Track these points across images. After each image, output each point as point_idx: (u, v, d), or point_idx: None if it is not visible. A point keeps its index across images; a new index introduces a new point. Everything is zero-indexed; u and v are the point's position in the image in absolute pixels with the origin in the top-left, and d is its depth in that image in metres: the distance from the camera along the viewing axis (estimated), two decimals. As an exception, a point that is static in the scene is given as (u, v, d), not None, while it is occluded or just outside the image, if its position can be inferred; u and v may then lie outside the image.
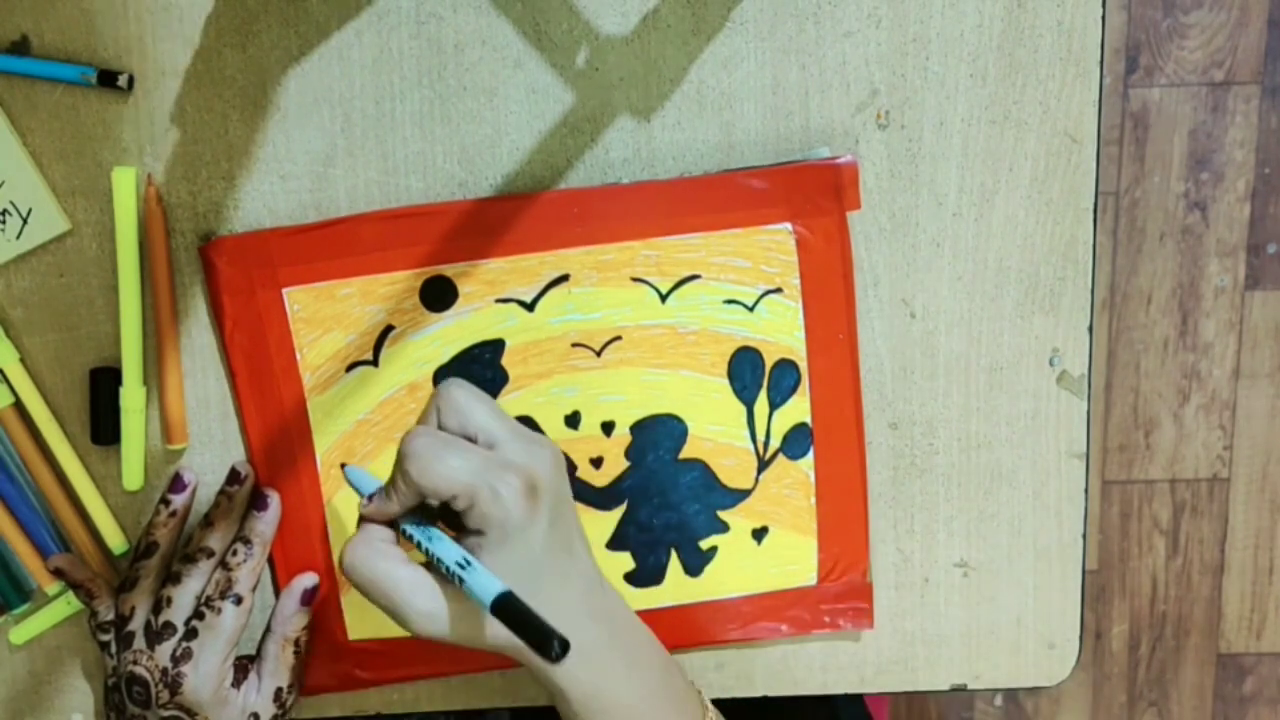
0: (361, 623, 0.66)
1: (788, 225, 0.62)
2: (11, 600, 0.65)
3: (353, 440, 0.64)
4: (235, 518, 0.63)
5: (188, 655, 0.61)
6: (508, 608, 0.50)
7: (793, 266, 0.63)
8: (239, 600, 0.62)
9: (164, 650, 0.61)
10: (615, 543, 0.66)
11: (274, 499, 0.64)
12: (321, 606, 0.66)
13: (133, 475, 0.64)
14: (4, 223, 0.61)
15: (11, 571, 0.65)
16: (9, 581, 0.65)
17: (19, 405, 0.63)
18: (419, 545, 0.54)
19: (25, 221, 0.61)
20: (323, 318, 0.62)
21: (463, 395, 0.54)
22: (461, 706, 0.68)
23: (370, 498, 0.55)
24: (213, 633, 0.61)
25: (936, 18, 0.61)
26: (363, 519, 0.56)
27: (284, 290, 0.62)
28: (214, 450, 0.64)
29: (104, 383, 0.63)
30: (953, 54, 0.61)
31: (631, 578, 0.66)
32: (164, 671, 0.61)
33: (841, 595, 0.66)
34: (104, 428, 0.63)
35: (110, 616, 0.63)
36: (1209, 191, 1.44)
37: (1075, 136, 0.63)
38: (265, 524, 0.63)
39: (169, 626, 0.61)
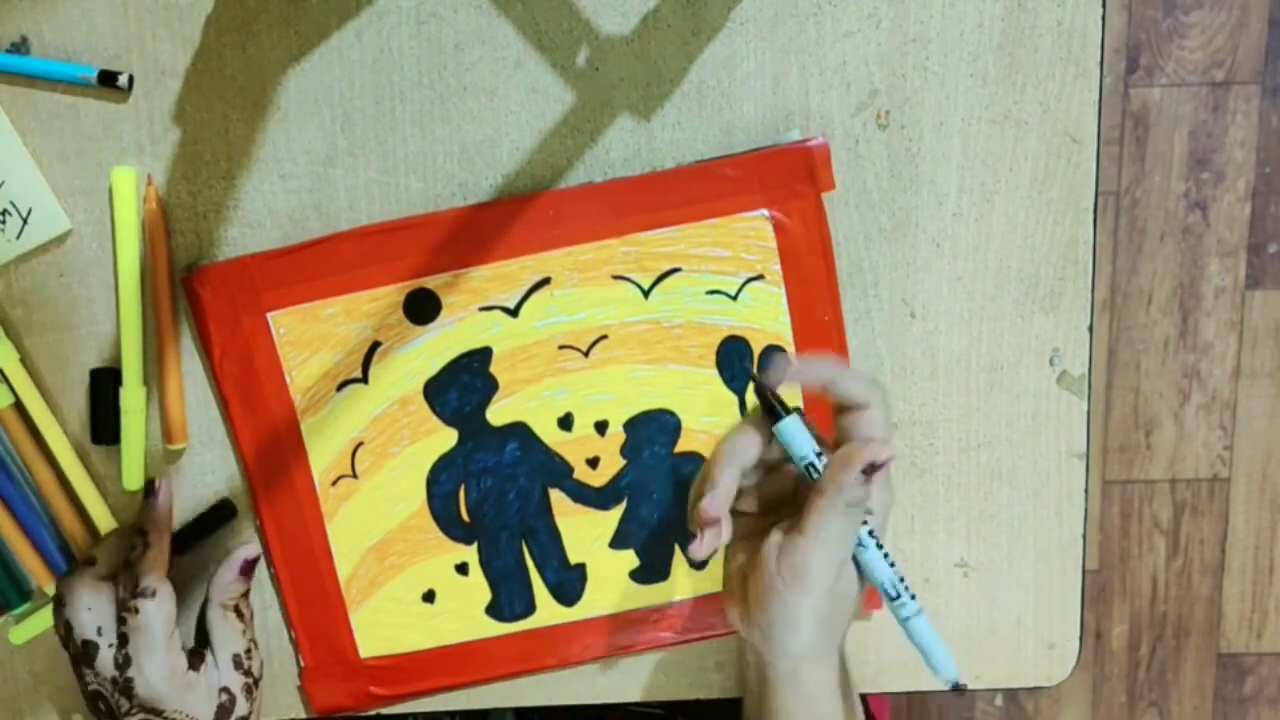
0: (373, 640, 0.66)
1: (764, 211, 0.62)
2: (11, 600, 0.65)
3: (348, 459, 0.64)
4: (122, 533, 0.63)
5: (128, 661, 0.60)
6: (926, 629, 0.53)
7: (772, 252, 0.62)
8: (153, 593, 0.59)
9: (103, 663, 0.60)
10: (618, 541, 0.66)
11: (164, 484, 0.63)
12: (331, 626, 0.66)
13: (133, 475, 0.64)
14: (4, 223, 0.61)
15: (11, 571, 0.65)
16: (9, 581, 0.65)
17: (19, 405, 0.63)
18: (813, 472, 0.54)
19: (25, 221, 0.61)
20: (309, 339, 0.63)
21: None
22: (463, 706, 0.68)
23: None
24: (140, 632, 0.59)
25: (936, 18, 0.61)
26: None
27: (268, 314, 0.62)
28: (214, 450, 0.64)
29: (104, 383, 0.63)
30: (953, 54, 0.61)
31: (637, 575, 0.66)
32: (114, 680, 0.60)
33: None
34: (104, 428, 0.63)
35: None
36: (1209, 191, 1.44)
37: (1075, 136, 0.63)
38: (160, 511, 0.62)
39: (90, 644, 0.60)
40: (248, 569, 0.63)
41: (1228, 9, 1.41)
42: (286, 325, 0.62)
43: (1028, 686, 0.69)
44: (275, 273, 0.62)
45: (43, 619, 0.66)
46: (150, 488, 0.63)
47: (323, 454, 0.64)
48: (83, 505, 0.65)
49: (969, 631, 0.68)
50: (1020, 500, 0.67)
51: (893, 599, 0.54)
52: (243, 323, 0.62)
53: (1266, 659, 1.53)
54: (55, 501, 0.64)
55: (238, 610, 0.63)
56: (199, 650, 0.63)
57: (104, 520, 0.65)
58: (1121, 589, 1.51)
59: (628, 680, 0.68)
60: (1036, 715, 1.53)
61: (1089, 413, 0.66)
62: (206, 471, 0.64)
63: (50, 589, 0.65)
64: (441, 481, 0.64)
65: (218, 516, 0.64)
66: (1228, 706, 1.53)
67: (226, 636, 0.63)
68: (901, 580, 0.54)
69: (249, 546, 0.64)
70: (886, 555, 0.55)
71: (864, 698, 0.91)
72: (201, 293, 0.62)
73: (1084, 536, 0.67)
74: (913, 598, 0.54)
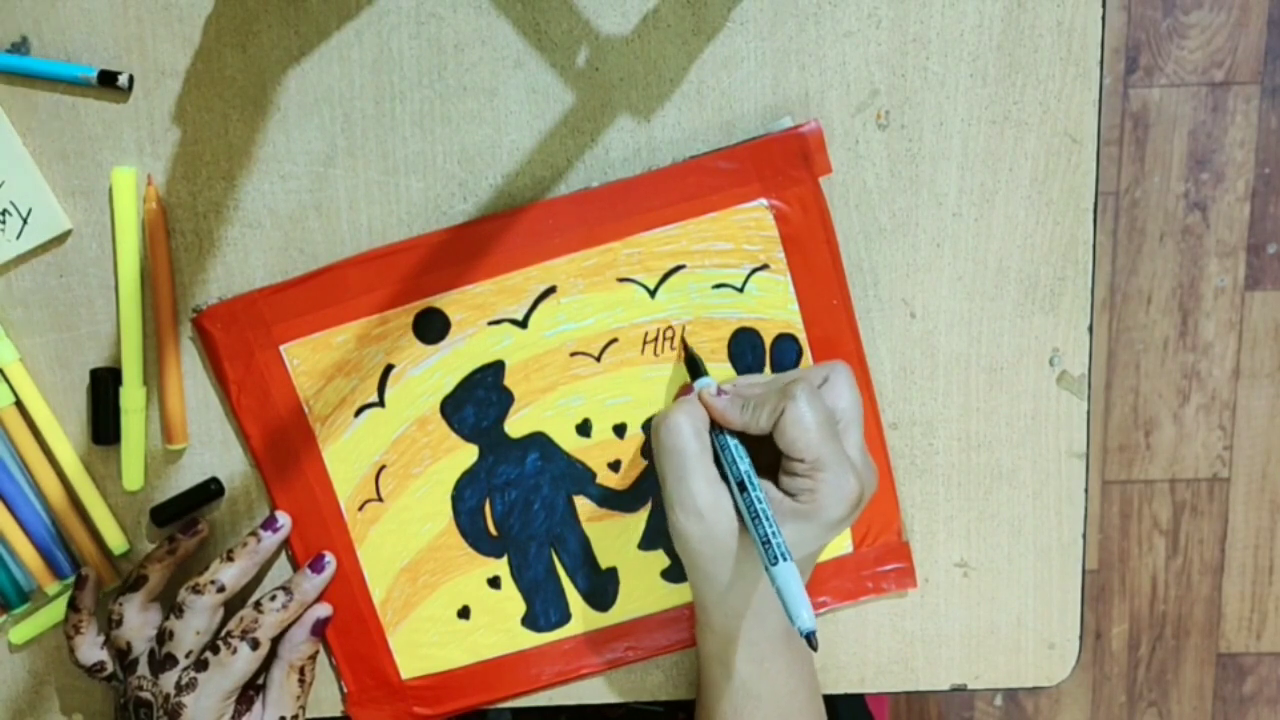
0: (413, 661, 0.66)
1: (763, 201, 0.62)
2: (11, 600, 0.65)
3: (372, 483, 0.64)
4: (257, 562, 0.63)
5: (192, 686, 0.61)
6: (787, 575, 0.55)
7: (775, 241, 0.62)
8: (255, 645, 0.62)
9: (168, 679, 0.61)
10: (646, 542, 0.66)
11: (330, 567, 0.64)
12: (370, 650, 0.66)
13: (133, 475, 0.64)
14: (4, 223, 0.61)
15: (11, 571, 0.65)
16: (9, 581, 0.65)
17: (19, 405, 0.63)
18: (728, 459, 0.58)
19: (25, 221, 0.61)
20: (323, 368, 0.63)
21: (849, 379, 0.59)
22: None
23: (720, 391, 0.59)
24: (222, 669, 0.61)
25: (936, 18, 0.61)
26: (699, 400, 0.59)
27: (281, 347, 0.62)
28: (214, 450, 0.64)
29: (104, 383, 0.63)
30: (953, 54, 0.61)
31: (669, 574, 0.66)
32: (166, 698, 0.61)
33: (881, 559, 0.66)
34: (104, 428, 0.63)
35: (92, 660, 0.63)
36: (1209, 191, 1.44)
37: (1075, 136, 0.63)
38: (312, 585, 0.64)
39: (171, 659, 0.61)
40: (319, 629, 0.64)
41: (1227, 9, 1.41)
42: (299, 356, 0.62)
43: (1027, 686, 0.69)
44: (284, 305, 0.62)
45: (43, 619, 0.66)
46: (319, 561, 0.64)
47: (347, 480, 0.64)
48: (83, 505, 0.65)
49: (969, 631, 0.68)
50: (1020, 500, 0.67)
51: (762, 544, 0.56)
52: (256, 358, 0.62)
53: (1266, 659, 1.53)
54: (55, 501, 0.64)
55: (302, 673, 0.64)
56: (247, 695, 0.63)
57: (104, 520, 0.65)
58: (1121, 589, 1.51)
59: (628, 680, 0.68)
60: (1036, 715, 1.53)
61: (1089, 413, 0.66)
62: (206, 471, 0.64)
63: (50, 589, 0.65)
64: (466, 498, 0.65)
65: (203, 494, 0.64)
66: (1227, 706, 1.54)
67: (282, 698, 0.64)
68: (768, 522, 0.56)
69: (322, 606, 0.64)
70: (760, 501, 0.56)
71: (863, 698, 0.91)
72: (213, 331, 0.62)
73: (1084, 536, 0.67)
74: (779, 545, 0.55)
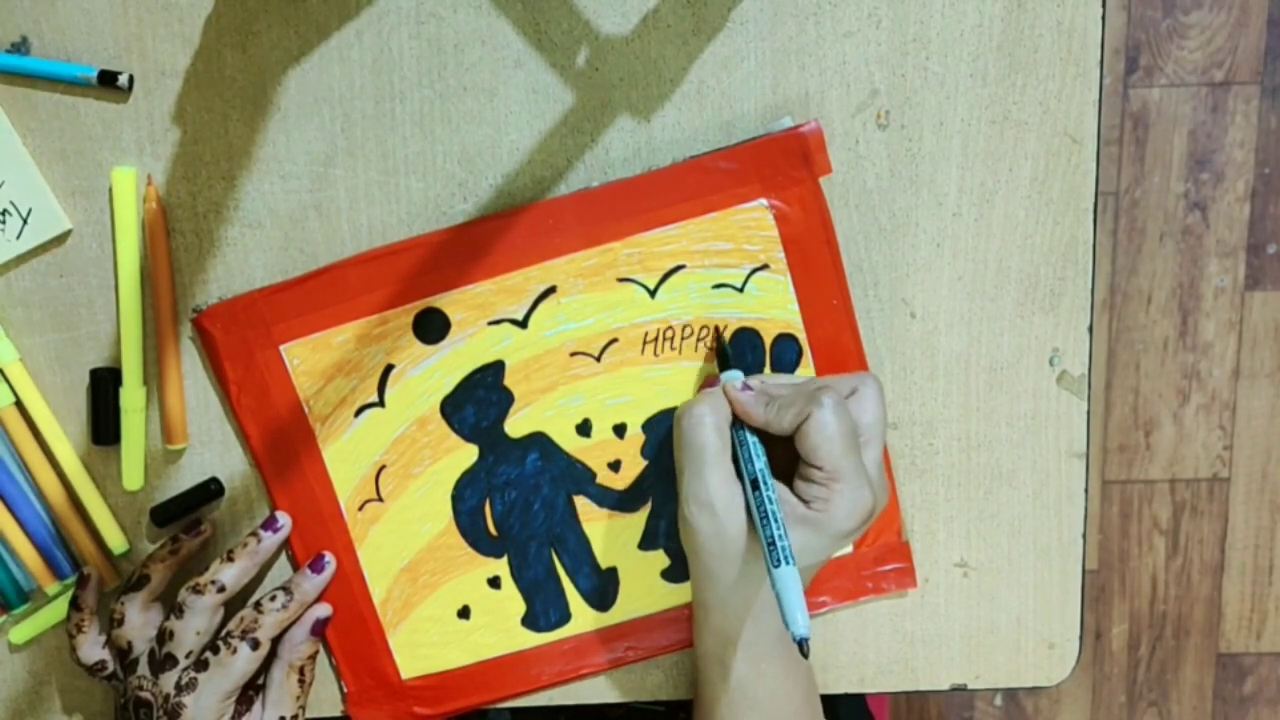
0: (413, 661, 0.66)
1: (763, 201, 0.62)
2: (11, 600, 0.66)
3: (372, 483, 0.64)
4: (257, 563, 0.63)
5: (192, 686, 0.61)
6: (788, 579, 0.55)
7: (775, 241, 0.62)
8: (256, 645, 0.62)
9: (168, 679, 0.61)
10: (646, 542, 0.66)
11: (330, 566, 0.64)
12: (371, 650, 0.66)
13: (133, 475, 0.64)
14: (4, 223, 0.61)
15: (11, 571, 0.65)
16: (9, 581, 0.65)
17: (19, 405, 0.63)
18: (745, 456, 0.58)
19: (25, 221, 0.61)
20: (323, 368, 0.63)
21: (877, 394, 0.59)
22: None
23: (745, 385, 0.59)
24: (222, 669, 0.61)
25: (936, 18, 0.61)
26: (723, 393, 0.60)
27: (281, 347, 0.62)
28: (214, 450, 0.64)
29: (104, 383, 0.63)
30: (953, 54, 0.61)
31: (669, 574, 0.66)
32: (165, 698, 0.61)
33: (880, 559, 0.66)
34: (104, 428, 0.63)
35: (94, 659, 0.63)
36: (1209, 191, 1.44)
37: (1075, 136, 0.63)
38: (312, 585, 0.64)
39: (171, 659, 0.61)
40: (319, 629, 0.64)
41: (1227, 9, 1.41)
42: (299, 356, 0.62)
43: (1027, 686, 0.69)
44: (284, 305, 0.62)
45: (43, 619, 0.66)
46: (318, 561, 0.64)
47: (347, 480, 0.64)
48: (83, 505, 0.65)
49: (969, 631, 0.68)
50: (1020, 500, 0.67)
51: (767, 545, 0.56)
52: (256, 358, 0.62)
53: (1266, 659, 1.53)
54: (55, 501, 0.64)
55: (302, 673, 0.64)
56: (247, 695, 0.63)
57: (104, 520, 0.65)
58: (1121, 589, 1.51)
59: (628, 680, 0.68)
60: (1036, 715, 1.53)
61: (1089, 413, 0.66)
62: (206, 471, 0.64)
63: (50, 589, 0.65)
64: (466, 498, 0.65)
65: (203, 494, 0.64)
66: (1227, 706, 1.54)
67: (282, 698, 0.64)
68: (776, 524, 0.56)
69: (322, 606, 0.64)
70: (771, 501, 0.57)
71: (863, 698, 0.91)
72: (213, 331, 0.62)
73: (1084, 536, 0.67)
74: (784, 548, 0.55)
